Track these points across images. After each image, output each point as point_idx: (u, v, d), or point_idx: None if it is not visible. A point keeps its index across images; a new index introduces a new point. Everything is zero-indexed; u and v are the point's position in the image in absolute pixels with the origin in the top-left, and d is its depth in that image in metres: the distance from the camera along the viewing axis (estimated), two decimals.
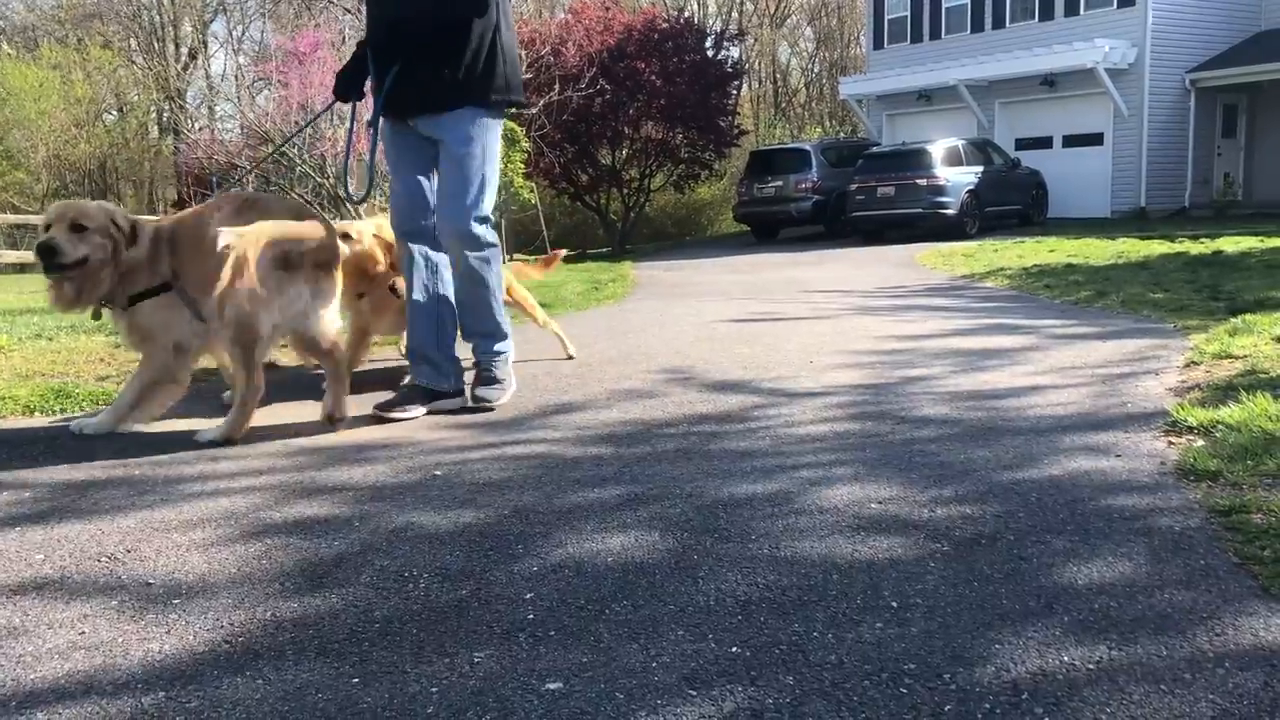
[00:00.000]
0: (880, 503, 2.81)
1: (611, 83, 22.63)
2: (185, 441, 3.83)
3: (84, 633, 2.14)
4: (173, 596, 2.32)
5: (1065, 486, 2.89)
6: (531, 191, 19.89)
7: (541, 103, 14.69)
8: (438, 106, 4.17)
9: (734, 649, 1.96)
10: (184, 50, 38.27)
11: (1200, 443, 3.24)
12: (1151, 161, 20.84)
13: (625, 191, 24.95)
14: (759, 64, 39.80)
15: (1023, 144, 22.47)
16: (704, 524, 2.68)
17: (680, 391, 4.53)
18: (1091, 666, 1.84)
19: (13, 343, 6.01)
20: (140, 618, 2.21)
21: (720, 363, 5.27)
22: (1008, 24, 23.24)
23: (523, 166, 16.78)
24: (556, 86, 15.85)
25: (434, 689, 1.85)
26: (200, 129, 29.48)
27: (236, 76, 30.73)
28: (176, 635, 2.11)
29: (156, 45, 37.48)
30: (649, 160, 26.00)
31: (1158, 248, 12.26)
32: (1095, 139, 21.66)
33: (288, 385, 5.12)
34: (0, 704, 1.84)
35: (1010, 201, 19.37)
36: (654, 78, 23.80)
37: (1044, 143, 22.44)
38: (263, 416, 4.09)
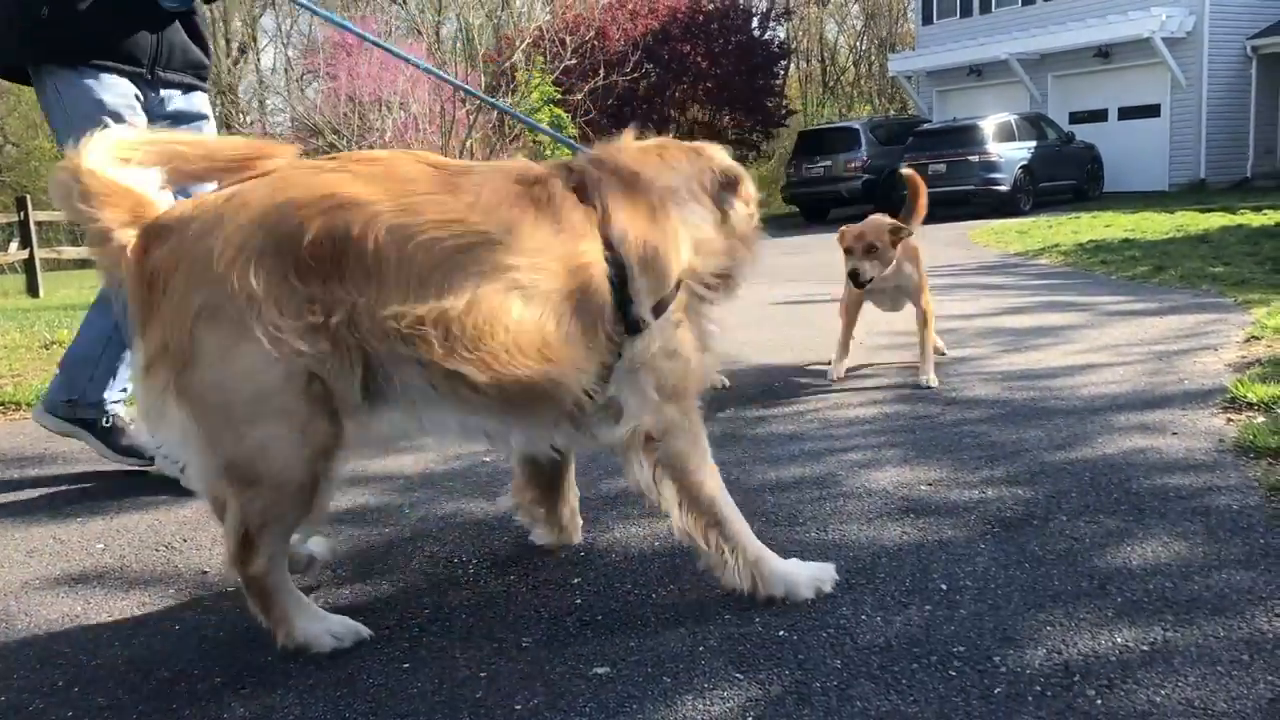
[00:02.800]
0: (930, 484, 2.78)
1: (656, 65, 22.60)
2: None
3: (144, 620, 2.19)
4: (228, 585, 2.36)
5: (1119, 466, 2.84)
6: None
7: (586, 88, 14.67)
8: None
9: (780, 632, 1.95)
10: (234, 45, 38.75)
11: (1261, 419, 3.16)
12: (1211, 132, 20.34)
13: None
14: (806, 43, 39.39)
15: (1077, 117, 22.05)
16: (751, 507, 2.67)
17: (727, 375, 4.51)
18: (1146, 648, 1.81)
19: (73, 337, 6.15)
20: (197, 605, 2.25)
21: (768, 344, 5.24)
22: None
23: (569, 152, 16.82)
24: (601, 71, 15.83)
25: (483, 674, 1.87)
26: (252, 123, 29.89)
27: (286, 70, 31.11)
28: (232, 623, 2.15)
29: None
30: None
31: (1218, 220, 11.98)
32: (1152, 110, 21.18)
33: None
34: (64, 687, 1.89)
35: (1065, 176, 19.03)
36: (699, 59, 23.73)
37: (1099, 115, 22.00)
38: None
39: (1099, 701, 1.65)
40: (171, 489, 3.15)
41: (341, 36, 14.92)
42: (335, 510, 2.85)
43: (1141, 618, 1.92)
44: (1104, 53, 21.26)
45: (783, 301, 7.29)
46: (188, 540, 2.68)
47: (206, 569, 2.46)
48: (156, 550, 2.62)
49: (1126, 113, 21.64)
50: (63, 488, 3.25)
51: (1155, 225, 11.98)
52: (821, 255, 11.90)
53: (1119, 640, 1.84)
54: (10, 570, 2.53)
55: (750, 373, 4.53)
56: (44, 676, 1.95)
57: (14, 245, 14.67)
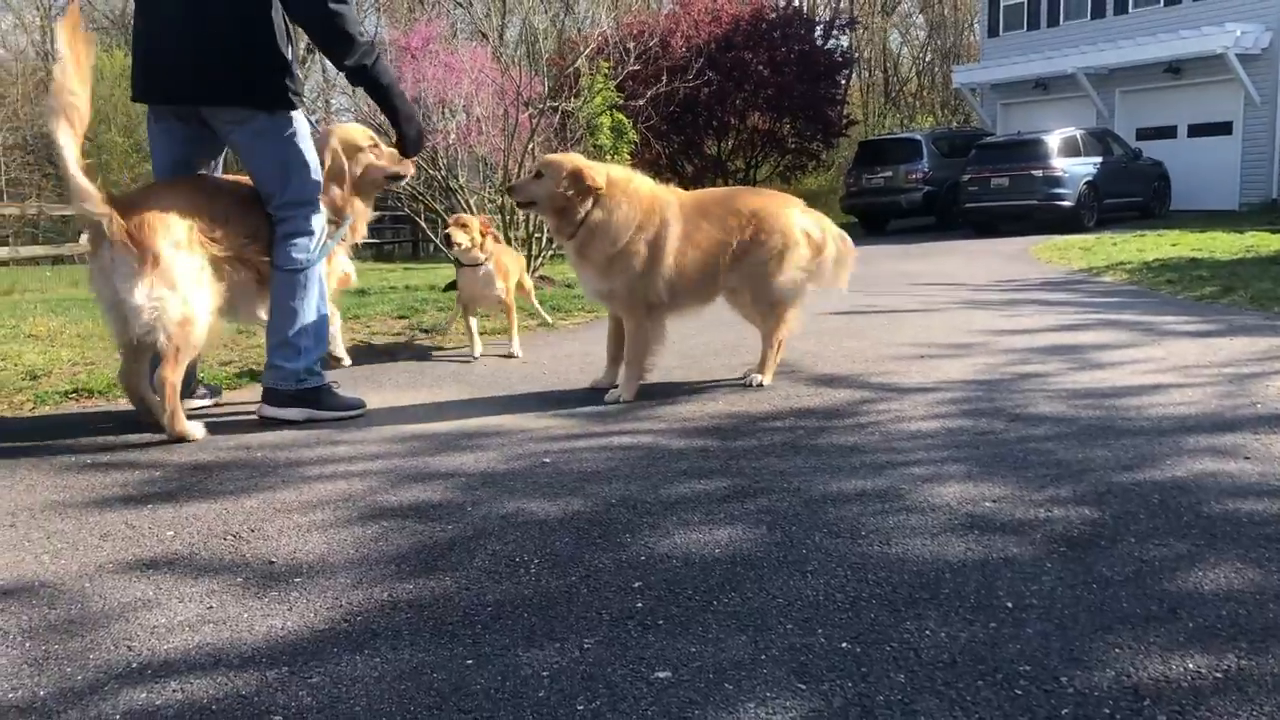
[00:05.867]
0: (994, 501, 2.75)
1: (718, 73, 22.59)
2: (303, 426, 3.96)
3: (211, 607, 2.23)
4: (294, 575, 2.40)
5: (1189, 488, 2.79)
6: None
7: (649, 94, 14.69)
8: None
9: (844, 644, 1.95)
10: (302, 45, 39.40)
11: None
12: None
13: (730, 183, 24.87)
14: (869, 52, 39.19)
15: (1144, 134, 21.68)
16: (812, 519, 2.66)
17: (786, 384, 4.50)
18: (1219, 675, 1.78)
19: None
20: (264, 595, 2.29)
21: (827, 356, 5.21)
22: (1130, 9, 22.41)
23: (629, 158, 16.86)
24: (664, 78, 15.84)
25: (545, 673, 1.88)
26: (318, 121, 30.33)
27: None
28: (298, 613, 2.19)
29: None
30: (755, 151, 25.89)
31: None
32: (1223, 128, 20.76)
33: (397, 372, 5.25)
34: (137, 671, 1.94)
35: (1130, 193, 18.70)
36: (761, 68, 23.70)
37: (1167, 132, 21.60)
38: (376, 401, 4.22)
39: None
40: (240, 478, 3.21)
41: (406, 40, 15.09)
42: (398, 505, 2.89)
43: (1214, 644, 1.89)
44: (1175, 68, 20.88)
45: (840, 312, 7.25)
46: (255, 530, 2.72)
47: (273, 559, 2.51)
48: (224, 539, 2.67)
49: (1196, 130, 21.22)
50: (134, 474, 3.33)
51: (1224, 245, 11.73)
52: (880, 266, 11.81)
53: (1190, 666, 1.81)
54: (85, 553, 2.59)
55: (809, 383, 4.51)
56: (118, 658, 1.99)
57: (85, 236, 15.04)
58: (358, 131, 4.57)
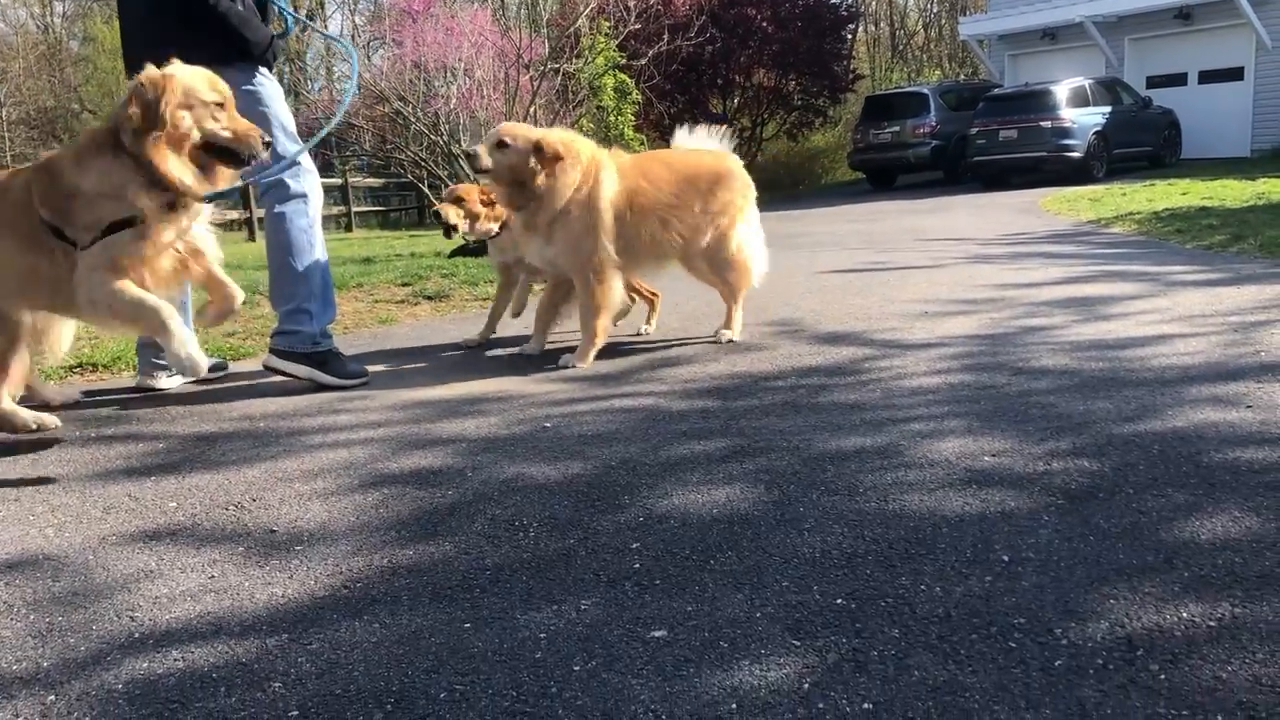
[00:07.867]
0: (993, 455, 2.75)
1: (722, 31, 22.33)
2: (306, 395, 3.97)
3: (213, 577, 2.25)
4: (295, 543, 2.42)
5: (1190, 438, 2.78)
6: (643, 144, 19.86)
7: (651, 53, 14.57)
8: None
9: (839, 601, 1.95)
10: (302, 12, 39.11)
11: None
12: None
13: (736, 142, 24.67)
14: (875, 6, 38.70)
15: (1154, 82, 21.39)
16: (810, 477, 2.67)
17: (789, 344, 4.49)
18: (1213, 623, 1.78)
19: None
20: (265, 563, 2.31)
21: (831, 314, 5.20)
22: None
23: (633, 119, 16.75)
24: (666, 36, 15.69)
25: (542, 634, 1.89)
26: (319, 89, 30.19)
27: (353, 37, 31.32)
28: (299, 580, 2.20)
29: None
30: (761, 108, 25.68)
31: None
32: (1235, 74, 20.47)
33: (399, 339, 5.25)
34: (140, 641, 1.96)
35: (1140, 143, 18.50)
36: (765, 24, 23.44)
37: (1178, 80, 21.31)
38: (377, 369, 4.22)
39: (1162, 676, 1.63)
40: (242, 448, 3.23)
41: (407, 3, 14.95)
42: (399, 471, 2.91)
43: (1209, 593, 1.89)
44: (1184, 14, 20.56)
45: (846, 269, 7.23)
46: (256, 500, 2.74)
47: (274, 528, 2.52)
48: (226, 509, 2.69)
49: (1207, 76, 20.94)
50: (138, 446, 3.35)
51: (1235, 193, 11.62)
52: (887, 222, 11.74)
53: (1185, 615, 1.81)
54: (89, 525, 2.61)
55: (812, 342, 4.50)
56: (120, 629, 2.02)
57: None
58: (200, 78, 3.29)
